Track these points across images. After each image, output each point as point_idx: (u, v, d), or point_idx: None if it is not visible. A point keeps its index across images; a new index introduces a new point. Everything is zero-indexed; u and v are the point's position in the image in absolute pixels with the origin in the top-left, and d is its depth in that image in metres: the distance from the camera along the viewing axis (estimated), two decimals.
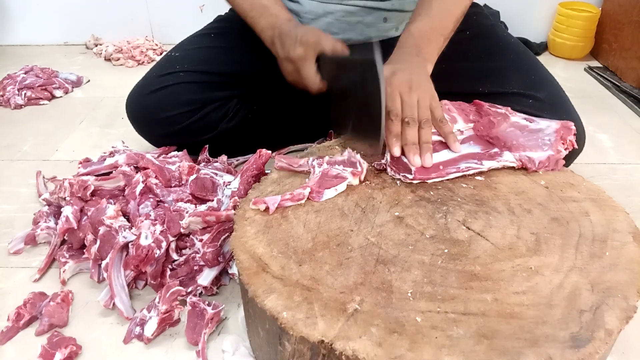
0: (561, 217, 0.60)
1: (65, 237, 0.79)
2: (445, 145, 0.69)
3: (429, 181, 0.65)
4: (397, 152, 0.66)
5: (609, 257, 0.54)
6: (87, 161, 0.90)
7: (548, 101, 0.82)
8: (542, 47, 1.68)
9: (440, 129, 0.69)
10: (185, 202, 0.78)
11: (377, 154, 0.67)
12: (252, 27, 0.87)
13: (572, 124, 0.71)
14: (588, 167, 1.05)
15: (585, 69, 1.56)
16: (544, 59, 1.63)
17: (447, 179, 0.66)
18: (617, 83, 1.42)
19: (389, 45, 0.76)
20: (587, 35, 1.59)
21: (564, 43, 1.61)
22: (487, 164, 0.67)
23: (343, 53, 0.76)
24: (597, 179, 1.00)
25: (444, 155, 0.68)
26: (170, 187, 0.83)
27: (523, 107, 0.78)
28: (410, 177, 0.65)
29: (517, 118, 0.72)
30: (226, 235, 0.73)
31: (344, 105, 0.72)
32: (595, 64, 1.60)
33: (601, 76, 1.49)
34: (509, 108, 0.74)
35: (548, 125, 0.71)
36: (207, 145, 0.98)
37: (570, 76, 1.52)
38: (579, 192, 0.64)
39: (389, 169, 0.67)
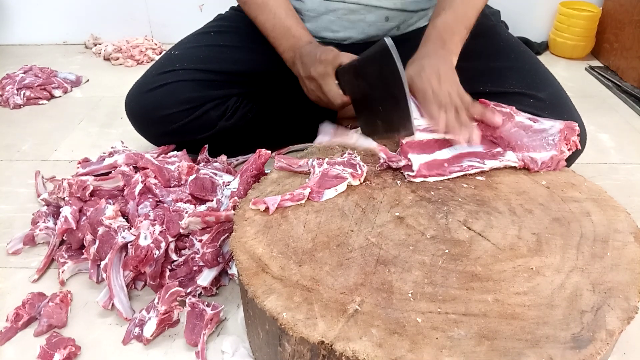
0: (562, 218, 0.60)
1: (64, 238, 0.79)
2: (447, 144, 0.69)
3: (431, 179, 0.65)
4: (442, 129, 0.68)
5: (610, 257, 0.54)
6: (86, 161, 0.89)
7: (549, 101, 0.82)
8: (543, 47, 1.68)
9: (474, 111, 0.71)
10: (185, 203, 0.78)
11: (412, 134, 0.67)
12: (274, 47, 0.88)
13: (576, 124, 0.71)
14: (589, 167, 1.05)
15: (586, 69, 1.56)
16: (544, 58, 1.63)
17: (448, 179, 0.66)
18: (618, 83, 1.42)
19: None
20: (588, 34, 1.59)
21: (565, 42, 1.60)
22: (489, 164, 0.67)
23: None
24: (598, 179, 1.00)
25: (444, 154, 0.68)
26: (170, 187, 0.82)
27: (524, 107, 0.78)
28: (412, 174, 0.65)
29: (522, 118, 0.72)
30: (226, 235, 0.73)
31: (369, 107, 0.73)
32: (596, 63, 1.59)
33: (602, 76, 1.48)
34: (514, 107, 0.73)
35: (552, 126, 0.70)
36: (207, 145, 0.98)
37: (571, 76, 1.52)
38: (580, 192, 0.64)
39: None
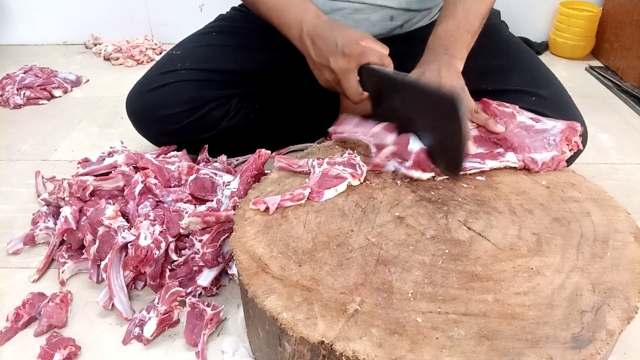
0: (562, 218, 0.60)
1: (64, 238, 0.79)
2: None
3: (425, 176, 0.65)
4: None
5: (611, 257, 0.54)
6: (86, 161, 0.90)
7: (551, 99, 0.82)
8: (543, 47, 1.68)
9: (477, 119, 0.71)
10: (185, 203, 0.78)
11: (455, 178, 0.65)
12: (277, 26, 0.81)
13: (579, 124, 0.71)
14: (589, 167, 1.05)
15: (586, 69, 1.56)
16: (545, 58, 1.63)
17: (447, 178, 0.66)
18: (618, 83, 1.42)
19: (393, 43, 0.77)
20: (588, 34, 1.59)
21: (565, 42, 1.60)
22: (490, 164, 0.67)
23: (389, 66, 0.71)
24: (598, 179, 1.00)
25: None
26: (170, 187, 0.82)
27: (526, 105, 0.78)
28: (409, 164, 0.65)
29: (524, 118, 0.72)
30: (226, 235, 0.73)
31: (398, 122, 0.69)
32: (596, 63, 1.59)
33: (602, 76, 1.48)
34: (517, 107, 0.73)
35: (554, 126, 0.70)
36: (207, 145, 0.98)
37: (572, 76, 1.52)
38: (580, 192, 0.64)
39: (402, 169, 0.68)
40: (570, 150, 0.69)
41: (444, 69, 0.72)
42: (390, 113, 0.70)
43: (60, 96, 1.39)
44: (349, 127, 0.73)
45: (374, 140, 0.69)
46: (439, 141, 0.64)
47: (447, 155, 0.64)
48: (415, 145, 0.66)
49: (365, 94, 0.73)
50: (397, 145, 0.66)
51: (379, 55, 0.70)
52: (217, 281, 0.73)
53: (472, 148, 0.67)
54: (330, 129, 0.67)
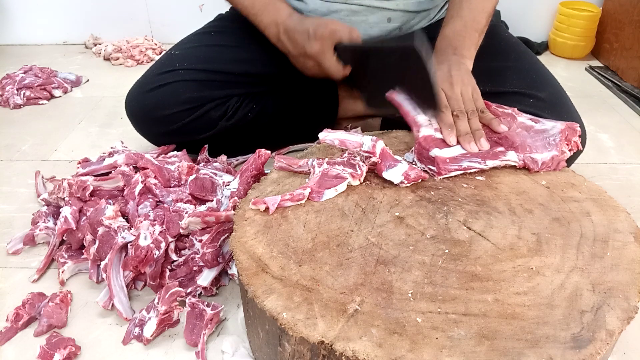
0: (562, 218, 0.60)
1: (64, 238, 0.79)
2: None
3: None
4: (453, 141, 0.68)
5: (610, 257, 0.54)
6: (86, 161, 0.90)
7: (549, 101, 0.82)
8: (543, 47, 1.68)
9: (482, 119, 0.72)
10: (185, 203, 0.78)
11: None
12: (255, 25, 0.88)
13: (578, 125, 0.71)
14: (589, 167, 1.05)
15: (586, 69, 1.56)
16: (544, 58, 1.63)
17: (447, 178, 0.66)
18: (618, 83, 1.42)
19: None
20: (588, 34, 1.59)
21: (565, 42, 1.60)
22: (490, 164, 0.67)
23: (358, 40, 0.78)
24: (598, 179, 1.00)
25: (449, 151, 0.68)
26: (170, 187, 0.82)
27: (524, 107, 0.78)
28: (435, 169, 0.66)
29: (523, 118, 0.72)
30: (226, 235, 0.73)
31: (380, 85, 0.74)
32: (596, 63, 1.59)
33: (602, 76, 1.48)
34: (515, 109, 0.74)
35: (553, 126, 0.70)
36: (207, 145, 0.98)
37: (571, 76, 1.52)
38: (580, 192, 0.64)
39: (417, 162, 0.69)
40: (570, 150, 0.69)
41: (454, 69, 0.72)
42: (371, 80, 0.77)
43: (60, 96, 1.39)
44: (339, 135, 0.73)
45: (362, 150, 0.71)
46: (416, 89, 0.70)
47: (424, 98, 0.69)
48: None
49: (347, 68, 0.79)
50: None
51: (347, 31, 0.77)
52: (217, 281, 0.73)
53: (485, 144, 0.68)
54: (321, 137, 0.68)
